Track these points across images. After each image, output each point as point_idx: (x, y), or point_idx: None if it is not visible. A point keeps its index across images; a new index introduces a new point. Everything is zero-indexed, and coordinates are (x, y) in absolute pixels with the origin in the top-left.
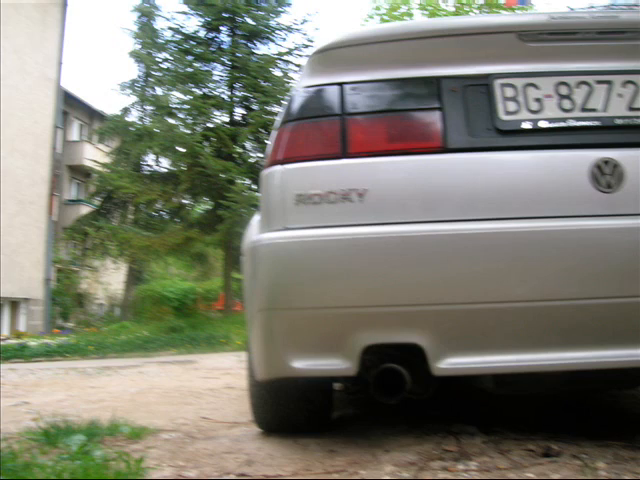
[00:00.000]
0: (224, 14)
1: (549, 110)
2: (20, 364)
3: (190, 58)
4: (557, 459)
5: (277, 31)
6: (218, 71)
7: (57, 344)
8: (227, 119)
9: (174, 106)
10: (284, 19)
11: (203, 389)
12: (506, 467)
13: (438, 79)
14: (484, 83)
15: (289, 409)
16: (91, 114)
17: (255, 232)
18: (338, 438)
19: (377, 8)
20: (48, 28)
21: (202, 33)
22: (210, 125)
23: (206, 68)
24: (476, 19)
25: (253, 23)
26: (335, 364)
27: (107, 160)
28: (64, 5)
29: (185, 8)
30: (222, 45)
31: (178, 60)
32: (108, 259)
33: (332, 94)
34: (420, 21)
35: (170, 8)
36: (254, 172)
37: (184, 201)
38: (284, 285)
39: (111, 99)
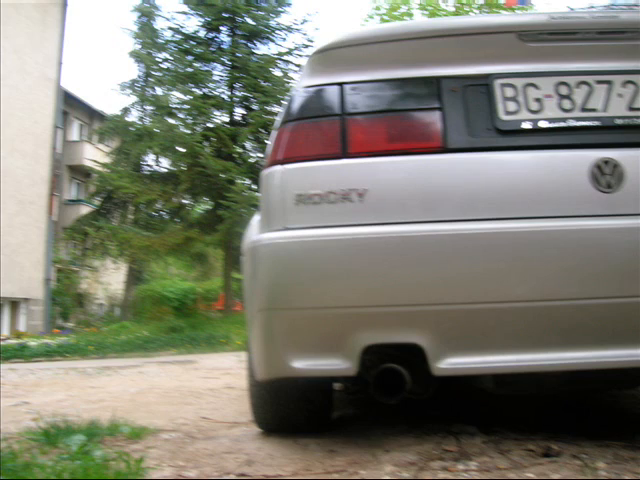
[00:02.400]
0: (224, 14)
1: (549, 110)
2: (20, 364)
3: (190, 58)
4: (557, 459)
5: (277, 31)
6: (218, 71)
7: (57, 344)
8: (227, 119)
9: (174, 106)
10: (284, 19)
11: (203, 389)
12: (506, 467)
13: (438, 79)
14: (484, 83)
15: (289, 409)
16: (91, 114)
17: (255, 232)
18: (338, 438)
19: (377, 8)
20: (48, 28)
21: (202, 33)
22: (210, 125)
23: (206, 68)
24: (476, 19)
25: (253, 23)
26: (335, 364)
27: (107, 160)
28: (64, 5)
29: (185, 8)
30: (222, 45)
31: (178, 60)
32: (108, 259)
33: (332, 94)
34: (420, 21)
35: (170, 8)
36: (254, 172)
37: (184, 201)
38: (284, 285)
39: (111, 99)
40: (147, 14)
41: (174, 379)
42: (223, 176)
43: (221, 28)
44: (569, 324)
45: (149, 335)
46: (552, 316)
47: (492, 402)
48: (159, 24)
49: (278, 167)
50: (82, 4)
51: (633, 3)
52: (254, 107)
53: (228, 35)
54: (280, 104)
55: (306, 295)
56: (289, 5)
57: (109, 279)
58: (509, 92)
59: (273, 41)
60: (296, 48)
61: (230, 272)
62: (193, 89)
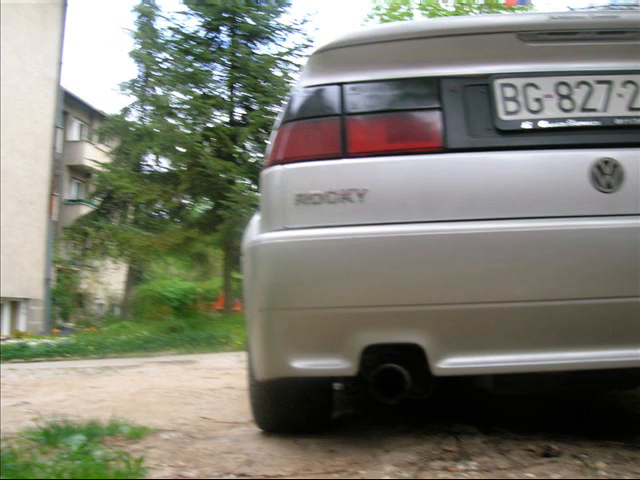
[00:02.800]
0: (224, 14)
1: (549, 110)
2: (20, 364)
3: (190, 58)
4: (557, 459)
5: (277, 31)
6: (218, 71)
7: (57, 344)
8: (227, 119)
9: (174, 106)
10: (284, 19)
11: (203, 389)
12: (506, 467)
13: (438, 79)
14: (484, 83)
15: (289, 409)
16: (91, 114)
17: (255, 232)
18: (338, 438)
19: (377, 8)
20: (48, 28)
21: (202, 33)
22: (210, 125)
23: (206, 68)
24: (476, 19)
25: (253, 23)
26: (335, 364)
27: (107, 160)
28: (64, 5)
29: (185, 8)
30: (222, 45)
31: (178, 60)
32: (108, 259)
33: (332, 94)
34: (420, 21)
35: (170, 8)
36: (254, 172)
37: (184, 201)
38: (284, 285)
39: (111, 99)
40: (147, 14)
41: (174, 379)
42: (223, 176)
43: (221, 28)
44: (569, 324)
45: (149, 335)
46: (552, 316)
47: (492, 402)
48: (159, 24)
49: (278, 167)
50: (82, 4)
51: (633, 3)
52: (254, 107)
53: (228, 35)
54: (280, 104)
55: (306, 295)
56: (289, 5)
57: (109, 279)
58: (509, 92)
59: (273, 41)
60: (296, 48)
61: (230, 272)
62: (193, 89)
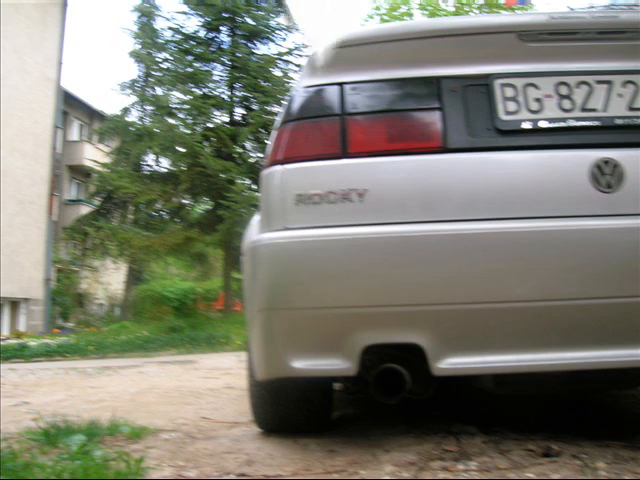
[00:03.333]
0: (224, 14)
1: (549, 110)
2: (20, 364)
3: (190, 58)
4: (557, 459)
5: (277, 31)
6: (218, 71)
7: (57, 344)
8: (227, 119)
9: (174, 106)
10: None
11: (203, 389)
12: (506, 467)
13: (438, 79)
14: (484, 83)
15: (289, 409)
16: (91, 114)
17: (255, 232)
18: (338, 438)
19: (377, 8)
20: (48, 28)
21: (202, 33)
22: (210, 125)
23: (206, 68)
24: (476, 19)
25: (253, 23)
26: (335, 364)
27: (107, 160)
28: (64, 5)
29: (185, 8)
30: (222, 45)
31: (178, 60)
32: (108, 259)
33: (332, 94)
34: (420, 21)
35: (170, 8)
36: (254, 172)
37: (184, 201)
38: (284, 285)
39: (111, 99)
40: (147, 14)
41: (174, 379)
42: (223, 176)
43: (221, 28)
44: (569, 324)
45: (149, 335)
46: (552, 316)
47: (492, 402)
48: (159, 24)
49: (278, 167)
50: (82, 4)
51: (633, 3)
52: (254, 107)
53: (228, 35)
54: (280, 104)
55: (306, 295)
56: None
57: (109, 279)
58: (509, 92)
59: (273, 41)
60: (296, 48)
61: (230, 272)
62: (193, 89)
